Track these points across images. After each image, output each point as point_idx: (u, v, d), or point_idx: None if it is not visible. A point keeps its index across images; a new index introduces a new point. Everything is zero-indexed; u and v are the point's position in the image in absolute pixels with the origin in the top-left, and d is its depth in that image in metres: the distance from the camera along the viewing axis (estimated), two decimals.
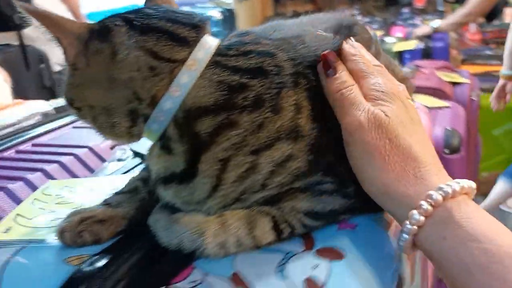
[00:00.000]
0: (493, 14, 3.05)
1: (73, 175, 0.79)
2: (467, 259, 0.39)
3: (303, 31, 0.54)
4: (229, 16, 3.15)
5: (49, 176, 0.77)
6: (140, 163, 0.71)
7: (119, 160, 0.77)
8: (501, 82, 2.16)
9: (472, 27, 3.44)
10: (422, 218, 0.42)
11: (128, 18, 0.49)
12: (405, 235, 0.43)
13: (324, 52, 0.49)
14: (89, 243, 0.50)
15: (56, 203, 0.62)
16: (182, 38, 0.48)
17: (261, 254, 0.46)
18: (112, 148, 0.86)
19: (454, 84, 1.86)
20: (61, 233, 0.50)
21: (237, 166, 0.45)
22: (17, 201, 0.68)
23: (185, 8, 0.62)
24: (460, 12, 2.65)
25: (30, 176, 0.74)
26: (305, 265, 0.44)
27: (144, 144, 0.52)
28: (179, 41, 0.48)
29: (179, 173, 0.48)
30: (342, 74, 0.48)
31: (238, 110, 0.45)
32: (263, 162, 0.45)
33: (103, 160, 0.85)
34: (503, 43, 2.18)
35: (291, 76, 0.47)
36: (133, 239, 0.51)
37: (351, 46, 0.52)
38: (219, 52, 0.48)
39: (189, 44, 0.48)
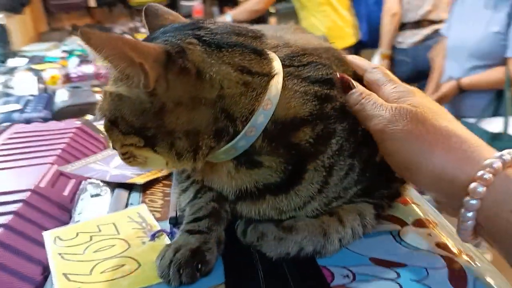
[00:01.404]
0: None
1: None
2: None
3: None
4: (1, 31, 2.75)
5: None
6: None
7: (93, 195, 0.69)
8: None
9: None
10: (484, 189, 0.40)
11: (197, 36, 0.48)
12: (468, 214, 0.42)
13: (338, 74, 0.52)
14: (205, 274, 0.48)
15: (89, 246, 0.55)
16: (258, 50, 0.50)
17: (371, 238, 0.53)
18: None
19: None
20: (178, 270, 0.47)
21: (340, 169, 0.51)
22: None
23: None
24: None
25: None
26: (416, 234, 0.53)
27: None
28: (259, 54, 0.49)
29: (274, 184, 0.50)
30: (359, 87, 0.51)
31: (332, 119, 0.50)
32: (356, 163, 0.52)
33: (54, 203, 0.73)
34: None
35: None
36: (237, 265, 0.51)
37: (365, 60, 0.60)
38: (286, 63, 0.50)
39: (265, 55, 0.50)
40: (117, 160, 0.80)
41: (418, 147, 0.45)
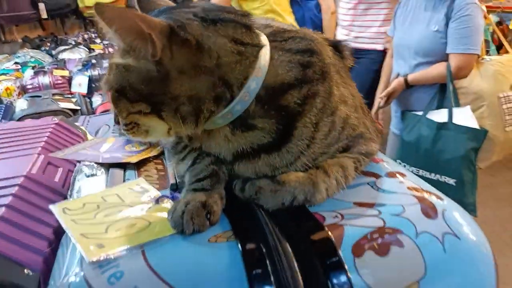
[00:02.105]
0: None
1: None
2: None
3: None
4: None
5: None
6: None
7: (89, 176, 0.73)
8: None
9: None
10: None
11: (194, 13, 0.55)
12: None
13: None
14: (213, 223, 0.54)
15: (98, 213, 0.59)
16: (248, 25, 0.57)
17: (352, 188, 0.61)
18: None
19: None
20: (191, 218, 0.52)
21: (324, 125, 0.58)
22: None
23: None
24: None
25: None
26: (390, 183, 0.62)
27: None
28: (248, 28, 0.57)
29: (267, 143, 0.57)
30: None
31: (315, 82, 0.58)
32: (337, 121, 0.60)
33: (48, 187, 0.76)
34: None
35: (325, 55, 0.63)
36: (240, 214, 0.57)
37: None
38: (270, 39, 0.58)
39: (253, 29, 0.58)
40: (106, 145, 0.84)
41: None
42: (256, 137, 0.57)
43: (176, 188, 0.64)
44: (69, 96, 2.28)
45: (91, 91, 2.62)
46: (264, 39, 0.57)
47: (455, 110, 1.77)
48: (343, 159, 0.61)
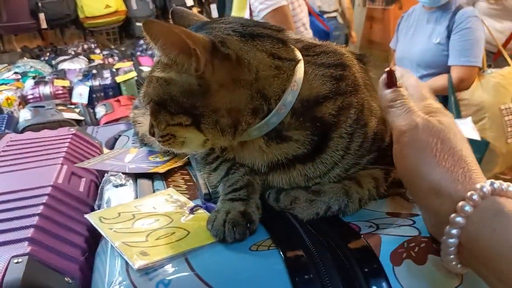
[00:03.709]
0: None
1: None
2: None
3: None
4: None
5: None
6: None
7: (118, 186, 0.74)
8: None
9: None
10: (471, 209, 0.44)
11: (233, 28, 0.58)
12: (453, 230, 0.45)
13: (389, 68, 0.57)
14: (252, 232, 0.56)
15: (135, 222, 0.60)
16: (283, 40, 0.60)
17: (383, 199, 0.63)
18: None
19: None
20: (233, 227, 0.53)
21: (358, 136, 0.60)
22: None
23: None
24: None
25: None
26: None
27: None
28: (284, 43, 0.59)
29: (302, 154, 0.59)
30: (402, 89, 0.56)
31: (348, 94, 0.59)
32: (369, 132, 0.62)
33: (74, 197, 0.77)
34: None
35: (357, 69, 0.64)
36: (276, 223, 0.59)
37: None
38: (303, 53, 0.60)
39: (288, 44, 0.60)
40: (130, 156, 0.85)
41: (427, 160, 0.49)
42: (291, 148, 0.59)
43: (210, 198, 0.65)
44: (72, 106, 2.29)
45: (91, 101, 2.63)
46: (298, 54, 0.59)
47: (457, 122, 1.79)
48: (374, 170, 0.63)
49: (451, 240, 0.45)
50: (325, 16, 3.99)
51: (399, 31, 2.10)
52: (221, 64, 0.54)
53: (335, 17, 4.00)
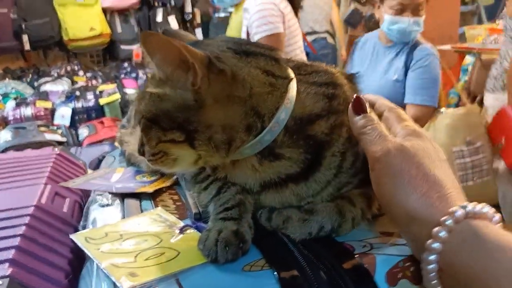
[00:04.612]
0: None
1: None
2: (494, 269, 0.40)
3: None
4: None
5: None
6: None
7: (104, 206, 0.72)
8: None
9: None
10: (446, 234, 0.44)
11: (227, 46, 0.58)
12: (430, 257, 0.45)
13: (355, 95, 0.58)
14: (244, 252, 0.54)
15: (123, 242, 0.58)
16: (276, 58, 0.60)
17: (376, 217, 0.62)
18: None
19: None
20: (225, 247, 0.52)
21: (350, 155, 0.60)
22: None
23: None
24: None
25: None
26: None
27: None
28: (277, 61, 0.59)
29: (295, 173, 0.58)
30: (372, 114, 0.56)
31: (340, 113, 0.59)
32: (360, 151, 0.62)
33: (57, 217, 0.75)
34: None
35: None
36: (269, 243, 0.58)
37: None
38: (295, 72, 0.60)
39: (281, 63, 0.60)
40: (117, 175, 0.83)
41: (402, 187, 0.49)
42: (284, 166, 0.58)
43: (200, 217, 0.64)
44: (54, 127, 2.26)
45: (74, 123, 2.60)
46: (291, 72, 0.59)
47: None
48: (367, 189, 0.62)
49: (430, 266, 0.45)
50: (316, 36, 4.07)
51: (354, 60, 2.07)
52: (216, 79, 0.54)
53: (325, 38, 4.09)
